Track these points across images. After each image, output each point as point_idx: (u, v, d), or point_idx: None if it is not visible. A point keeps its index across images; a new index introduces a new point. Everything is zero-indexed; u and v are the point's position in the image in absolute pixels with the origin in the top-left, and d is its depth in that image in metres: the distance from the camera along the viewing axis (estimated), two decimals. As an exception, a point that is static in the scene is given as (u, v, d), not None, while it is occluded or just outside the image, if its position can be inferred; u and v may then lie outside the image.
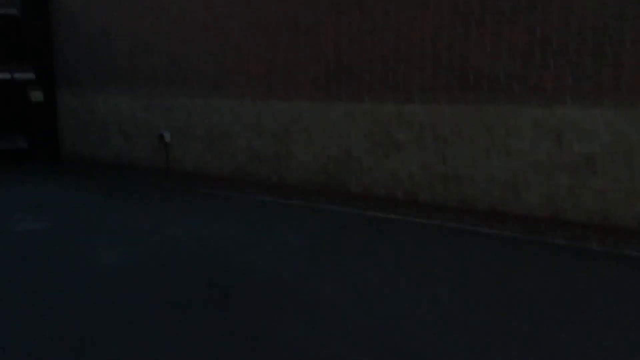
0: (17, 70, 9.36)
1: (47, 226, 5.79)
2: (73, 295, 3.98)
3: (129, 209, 6.82)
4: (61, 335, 3.35)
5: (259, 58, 7.35)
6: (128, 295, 4.02)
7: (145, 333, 3.37)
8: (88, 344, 3.24)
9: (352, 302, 3.91)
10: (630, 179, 5.04)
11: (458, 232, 5.70)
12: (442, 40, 5.89)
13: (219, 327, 3.47)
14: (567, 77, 5.23)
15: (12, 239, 5.40)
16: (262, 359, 3.06)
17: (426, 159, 6.13)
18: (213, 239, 5.45)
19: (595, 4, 5.01)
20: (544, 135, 5.42)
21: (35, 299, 3.92)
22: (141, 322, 3.53)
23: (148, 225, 6.03)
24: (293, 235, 5.59)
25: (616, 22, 4.95)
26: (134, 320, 3.55)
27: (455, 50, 5.81)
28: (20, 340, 3.30)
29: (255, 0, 7.28)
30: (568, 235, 5.32)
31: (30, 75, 9.54)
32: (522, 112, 5.52)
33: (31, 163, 9.68)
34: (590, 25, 5.07)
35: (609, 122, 5.07)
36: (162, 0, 8.23)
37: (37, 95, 9.67)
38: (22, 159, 9.66)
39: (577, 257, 4.85)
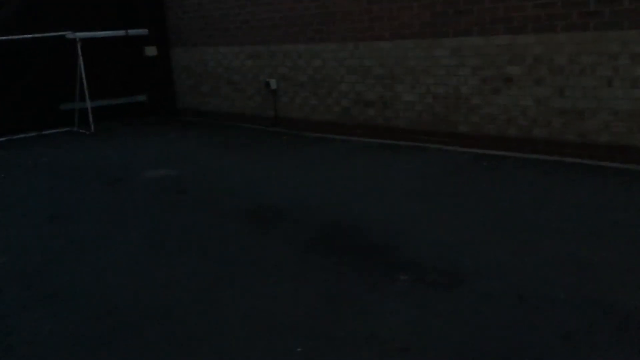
0: (131, 27, 9.88)
1: (175, 173, 6.25)
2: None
3: (246, 156, 7.19)
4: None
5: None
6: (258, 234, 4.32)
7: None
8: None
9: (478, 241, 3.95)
10: None
11: (579, 167, 5.48)
12: (559, -36, 5.51)
13: (340, 268, 3.67)
14: None
15: (146, 182, 5.92)
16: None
17: (541, 93, 5.87)
18: (328, 181, 5.65)
19: None
20: (677, 60, 5.00)
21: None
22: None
23: (264, 168, 6.34)
24: (405, 176, 5.65)
25: None
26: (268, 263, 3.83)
27: (574, -26, 5.43)
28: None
29: (355, -61, 7.16)
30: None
31: (144, 32, 10.05)
32: (651, 37, 5.11)
33: (150, 115, 10.33)
34: None
35: None
36: (263, -53, 8.29)
37: (151, 50, 10.20)
38: (142, 112, 10.32)
39: None
